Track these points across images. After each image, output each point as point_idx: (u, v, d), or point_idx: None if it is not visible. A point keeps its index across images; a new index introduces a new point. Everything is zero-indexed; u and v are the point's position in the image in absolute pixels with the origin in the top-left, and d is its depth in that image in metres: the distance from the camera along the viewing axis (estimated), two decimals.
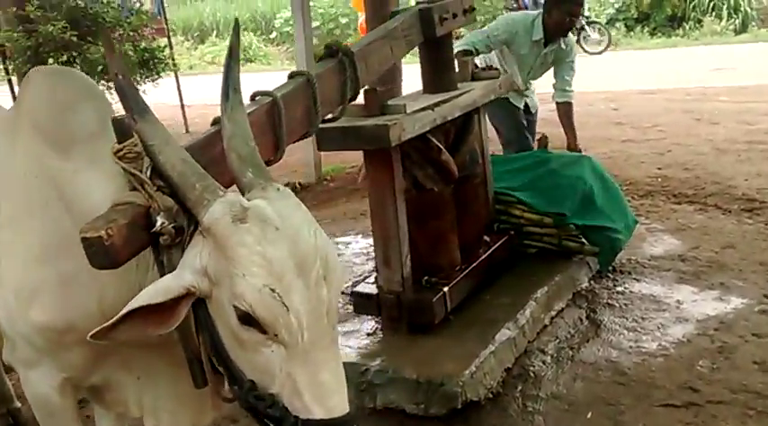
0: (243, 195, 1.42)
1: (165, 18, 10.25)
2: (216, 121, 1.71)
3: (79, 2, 7.90)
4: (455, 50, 3.73)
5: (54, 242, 1.60)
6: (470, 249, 3.58)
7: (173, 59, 9.46)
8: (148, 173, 1.44)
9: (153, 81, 8.37)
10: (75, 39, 7.57)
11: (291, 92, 2.10)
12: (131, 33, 8.11)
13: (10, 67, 8.36)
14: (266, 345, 1.31)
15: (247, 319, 1.29)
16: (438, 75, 3.49)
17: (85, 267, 1.40)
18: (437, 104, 3.19)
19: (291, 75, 2.23)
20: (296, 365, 1.30)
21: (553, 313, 3.49)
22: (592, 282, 3.87)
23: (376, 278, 3.25)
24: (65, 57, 7.84)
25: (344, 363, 2.77)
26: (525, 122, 5.02)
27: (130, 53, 7.59)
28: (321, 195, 6.25)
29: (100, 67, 7.64)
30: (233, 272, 1.29)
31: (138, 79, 8.18)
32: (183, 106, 10.00)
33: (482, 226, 3.72)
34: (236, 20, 1.65)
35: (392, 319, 3.21)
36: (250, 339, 1.32)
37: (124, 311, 1.31)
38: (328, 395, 1.32)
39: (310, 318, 1.30)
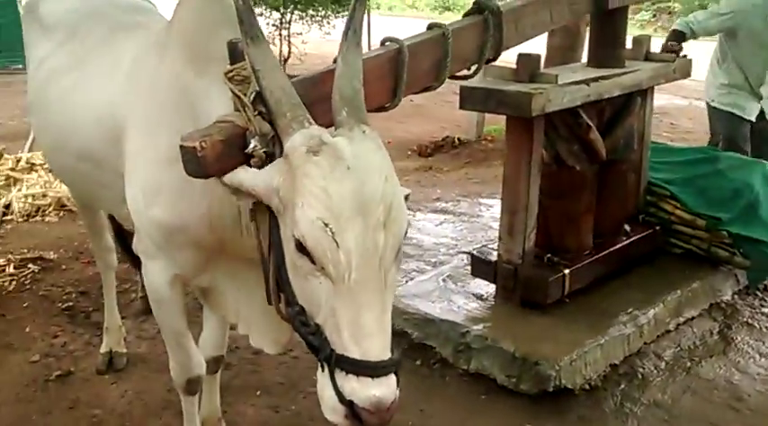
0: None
1: None
2: (335, 60, 1.76)
3: None
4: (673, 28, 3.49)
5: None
6: (606, 236, 3.44)
7: None
8: (251, 97, 1.51)
9: (344, 17, 8.65)
10: None
11: (422, 42, 2.11)
12: None
13: None
14: (315, 275, 1.35)
15: (301, 247, 1.34)
16: (604, 50, 3.32)
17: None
18: (595, 80, 3.05)
19: (429, 26, 2.22)
20: (340, 301, 1.33)
21: (681, 319, 3.29)
22: (735, 297, 3.58)
23: (498, 245, 3.21)
24: None
25: (447, 321, 2.86)
26: (755, 131, 4.41)
27: None
28: (477, 153, 6.21)
29: None
30: (295, 201, 1.34)
31: (330, 13, 8.47)
32: (369, 46, 10.23)
33: (625, 215, 3.54)
34: None
35: (506, 289, 3.18)
36: (302, 266, 1.37)
37: (238, 181, 1.47)
38: (366, 337, 1.32)
39: (361, 260, 1.32)
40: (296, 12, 8.38)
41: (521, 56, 2.94)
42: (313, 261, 1.34)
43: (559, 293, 3.11)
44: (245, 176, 1.45)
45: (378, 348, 1.33)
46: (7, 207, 4.69)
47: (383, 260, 1.34)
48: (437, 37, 2.16)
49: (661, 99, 8.92)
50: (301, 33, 8.87)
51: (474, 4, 2.43)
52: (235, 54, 1.56)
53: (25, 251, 4.01)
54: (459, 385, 2.87)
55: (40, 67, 2.36)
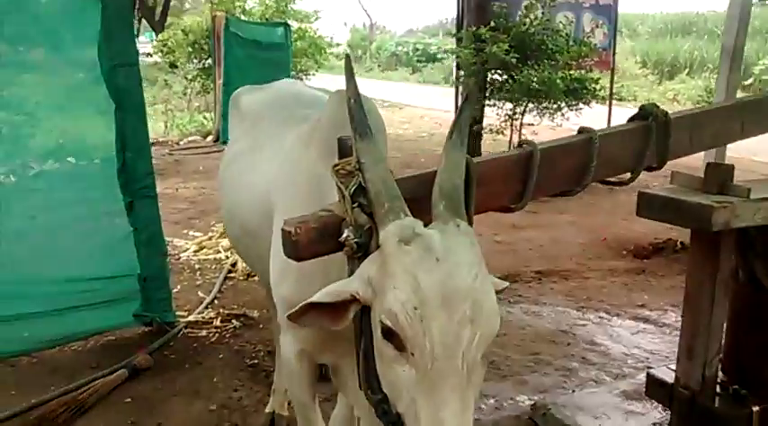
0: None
1: (614, 52, 10.32)
2: None
3: (531, 28, 8.48)
4: None
5: None
6: None
7: (611, 92, 9.54)
8: (352, 189, 1.59)
9: (576, 109, 8.59)
10: (514, 61, 8.18)
11: (562, 146, 2.07)
12: (570, 62, 8.43)
13: (461, 77, 9.45)
14: (400, 363, 1.37)
15: (389, 333, 1.37)
16: None
17: (319, 259, 1.63)
18: None
19: (579, 131, 2.17)
20: (421, 393, 1.33)
21: None
22: None
23: (676, 367, 2.91)
24: (503, 77, 8.55)
25: None
26: None
27: (558, 81, 7.88)
28: None
29: (532, 88, 8.12)
30: (386, 286, 1.38)
31: (562, 106, 8.47)
32: None
33: None
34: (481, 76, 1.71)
35: (681, 417, 2.85)
36: (387, 353, 1.39)
37: (303, 303, 1.51)
38: None
39: (444, 352, 1.32)
40: (530, 104, 8.50)
41: (709, 165, 2.71)
42: (397, 348, 1.36)
43: None
44: (340, 288, 1.49)
45: None
46: (234, 265, 5.30)
47: (466, 355, 1.33)
48: (582, 142, 2.10)
49: None
50: (532, 124, 8.95)
51: (639, 109, 2.32)
52: (343, 149, 1.67)
53: (235, 307, 4.48)
54: None
55: (229, 149, 2.72)
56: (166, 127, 13.64)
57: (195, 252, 5.82)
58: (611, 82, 10.26)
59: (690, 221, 2.61)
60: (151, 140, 4.99)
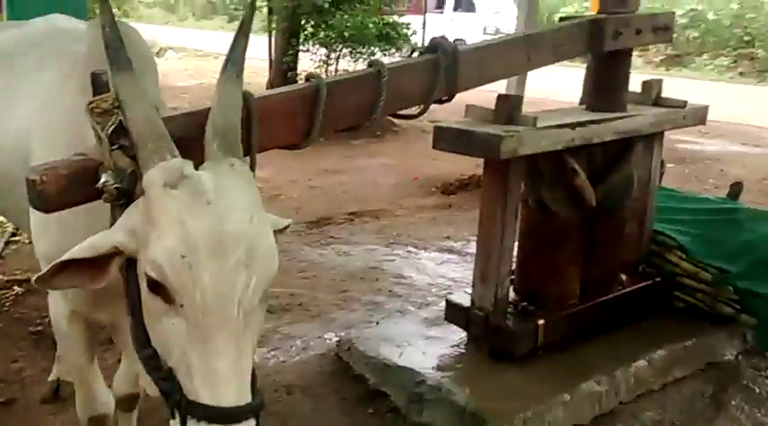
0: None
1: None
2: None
3: None
4: None
5: None
6: (597, 286, 3.21)
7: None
8: (110, 130, 1.43)
9: (390, 55, 8.71)
10: (327, 5, 8.08)
11: (350, 80, 2.03)
12: (382, 7, 8.49)
13: (273, 23, 9.21)
14: (168, 316, 1.27)
15: (155, 285, 1.26)
16: (602, 93, 3.14)
17: (82, 209, 1.47)
18: (582, 124, 2.88)
19: (369, 64, 2.14)
20: (192, 345, 1.25)
21: (669, 379, 3.04)
22: (740, 357, 3.28)
23: (471, 291, 3.06)
24: (312, 21, 8.43)
25: (404, 368, 2.70)
26: None
27: (371, 26, 7.91)
28: None
29: (346, 34, 8.07)
30: (151, 235, 1.27)
31: (376, 51, 8.54)
32: None
33: (619, 265, 3.31)
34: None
35: (476, 338, 3.02)
36: (154, 307, 1.29)
37: (55, 262, 1.34)
38: (219, 384, 1.23)
39: (216, 302, 1.23)
40: (344, 49, 8.47)
41: (499, 96, 2.82)
42: (165, 301, 1.26)
43: (531, 345, 2.92)
44: (100, 241, 1.35)
45: (232, 394, 1.23)
46: (18, 228, 4.80)
47: (242, 302, 1.25)
48: (371, 76, 2.07)
49: (714, 144, 8.56)
50: (347, 70, 8.95)
51: (429, 42, 2.34)
52: (98, 84, 1.49)
53: (18, 272, 4.08)
54: None
55: None
56: None
57: None
58: (423, 26, 10.48)
59: (480, 151, 2.70)
60: None
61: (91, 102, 1.46)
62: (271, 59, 9.30)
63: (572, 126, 2.82)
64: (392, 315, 3.64)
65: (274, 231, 1.47)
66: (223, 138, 1.43)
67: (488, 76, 2.51)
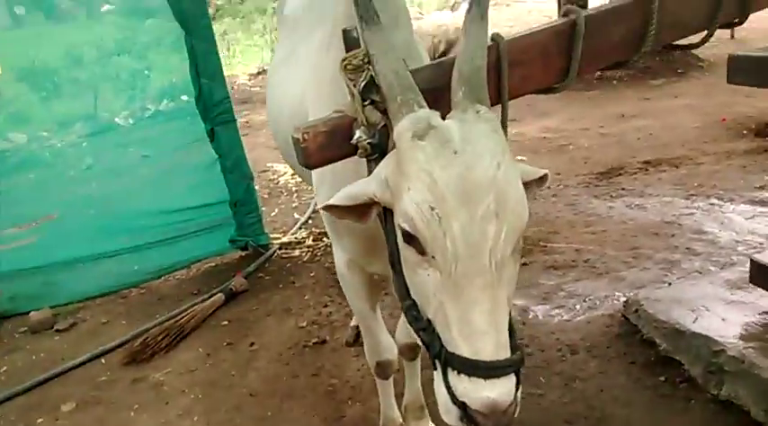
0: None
1: None
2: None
3: None
4: None
5: None
6: None
7: None
8: (362, 85, 1.45)
9: None
10: None
11: (613, 9, 1.81)
12: None
13: None
14: (423, 267, 1.28)
15: (409, 237, 1.29)
16: None
17: (353, 160, 1.53)
18: None
19: None
20: (448, 295, 1.25)
21: None
22: None
23: None
24: None
25: (700, 335, 2.46)
26: None
27: None
28: None
29: None
30: (402, 187, 1.29)
31: None
32: None
33: None
34: None
35: None
36: (410, 258, 1.31)
37: (322, 205, 1.44)
38: (476, 335, 1.23)
39: (468, 251, 1.22)
40: None
41: None
42: (419, 252, 1.28)
43: None
44: (356, 191, 1.41)
45: (490, 347, 1.23)
46: None
47: (494, 252, 1.23)
48: (639, 2, 1.83)
49: None
50: None
51: None
52: (349, 41, 1.52)
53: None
54: (704, 412, 2.44)
55: (276, 55, 2.65)
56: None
57: (293, 174, 5.88)
58: None
59: None
60: None
61: (344, 59, 1.49)
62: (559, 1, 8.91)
63: None
64: (689, 275, 3.29)
65: (531, 181, 1.44)
66: (468, 85, 1.39)
67: None
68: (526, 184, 1.41)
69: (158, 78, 4.13)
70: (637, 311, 2.92)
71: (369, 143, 1.43)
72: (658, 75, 7.61)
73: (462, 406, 1.23)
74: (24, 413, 3.02)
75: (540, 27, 1.79)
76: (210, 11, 21.89)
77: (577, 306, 3.23)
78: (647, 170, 4.97)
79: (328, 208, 1.41)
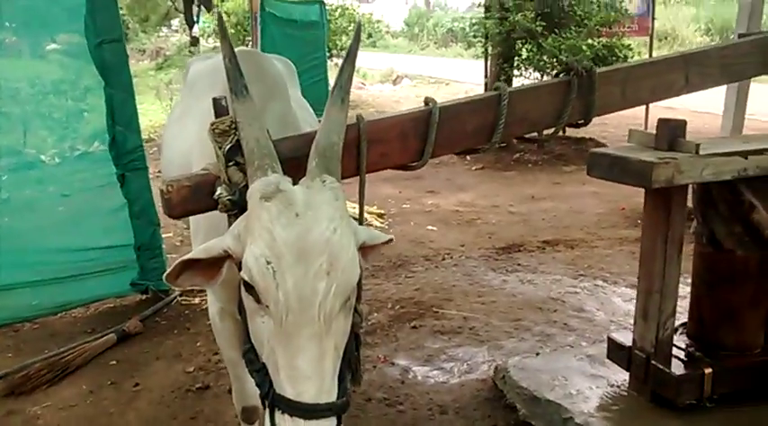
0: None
1: (653, 18, 9.96)
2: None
3: None
4: None
5: None
6: None
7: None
8: (227, 148, 1.62)
9: None
10: (540, 29, 8.02)
11: (467, 103, 2.06)
12: (599, 29, 8.20)
13: (489, 48, 9.31)
14: (260, 315, 1.43)
15: (248, 286, 1.43)
16: None
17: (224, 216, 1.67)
18: (759, 152, 2.60)
19: (494, 88, 2.16)
20: (279, 342, 1.38)
21: None
22: None
23: (633, 330, 2.87)
24: (529, 45, 8.39)
25: (553, 403, 2.63)
26: None
27: (585, 48, 7.66)
28: None
29: (555, 58, 7.93)
30: (247, 241, 1.44)
31: None
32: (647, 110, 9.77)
33: None
34: (359, 23, 1.73)
35: (637, 379, 2.82)
36: (249, 306, 1.46)
37: (177, 260, 1.56)
38: (300, 380, 1.36)
39: (299, 304, 1.36)
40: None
41: (660, 121, 2.64)
42: (256, 300, 1.42)
43: (696, 394, 2.65)
44: (213, 245, 1.54)
45: (312, 391, 1.36)
46: None
47: (323, 306, 1.37)
48: (489, 99, 2.09)
49: None
50: None
51: (563, 64, 2.29)
52: (218, 109, 1.71)
53: None
54: None
55: (172, 113, 2.81)
56: None
57: None
58: (650, 49, 9.90)
59: (632, 179, 2.55)
60: None
61: (212, 124, 1.67)
62: (486, 84, 9.43)
63: (744, 154, 2.55)
64: (560, 348, 3.51)
65: (377, 245, 1.61)
66: (321, 157, 1.56)
67: (634, 99, 2.40)
68: (374, 247, 1.60)
69: (94, 120, 4.20)
70: (503, 377, 3.11)
71: (229, 200, 1.58)
72: (570, 162, 8.08)
73: None
74: None
75: (401, 112, 2.02)
76: (159, 60, 22.23)
77: (455, 370, 3.40)
78: (544, 249, 5.27)
79: (186, 263, 1.53)
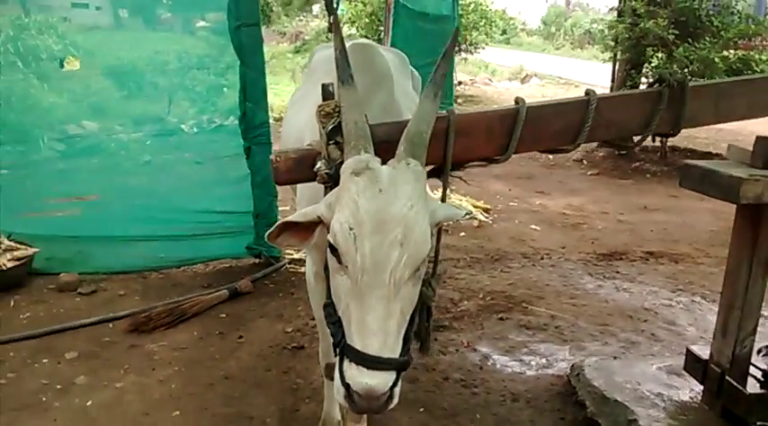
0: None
1: None
2: None
3: (695, 3, 8.00)
4: None
5: None
6: None
7: None
8: (329, 128, 1.85)
9: None
10: (672, 37, 7.80)
11: (555, 105, 2.20)
12: (736, 41, 7.88)
13: (618, 54, 9.14)
14: (339, 273, 1.66)
15: (332, 248, 1.66)
16: None
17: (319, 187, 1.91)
18: None
19: (586, 93, 2.28)
20: (353, 299, 1.61)
21: None
22: None
23: (711, 344, 2.89)
24: (660, 54, 8.18)
25: (619, 403, 2.73)
26: None
27: (717, 60, 7.38)
28: None
29: (686, 67, 7.70)
30: (335, 209, 1.68)
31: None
32: None
33: None
34: (456, 28, 1.92)
35: (710, 393, 2.85)
36: (332, 265, 1.70)
37: (278, 222, 1.83)
38: (367, 334, 1.58)
39: (373, 267, 1.58)
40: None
41: (758, 138, 2.65)
42: (338, 261, 1.65)
43: (764, 412, 2.67)
44: (309, 210, 1.79)
45: (376, 344, 1.58)
46: None
47: (394, 272, 1.59)
48: (577, 103, 2.21)
49: None
50: None
51: (657, 75, 2.38)
52: (325, 94, 1.95)
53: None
54: None
55: (294, 94, 3.10)
56: None
57: None
58: None
59: (721, 193, 2.59)
60: None
61: (319, 106, 1.91)
62: (611, 89, 9.27)
63: None
64: (646, 357, 3.55)
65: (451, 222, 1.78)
66: (409, 143, 1.78)
67: (728, 114, 2.44)
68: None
69: (232, 96, 4.59)
70: (578, 375, 3.21)
71: (326, 173, 1.83)
72: None
73: (347, 387, 1.60)
74: (34, 354, 3.47)
75: (492, 109, 2.19)
76: (297, 44, 23.12)
77: (533, 363, 3.53)
78: (647, 260, 5.23)
79: (286, 225, 1.80)
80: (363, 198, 1.62)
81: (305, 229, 1.81)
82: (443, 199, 2.15)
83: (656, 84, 2.36)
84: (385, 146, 1.81)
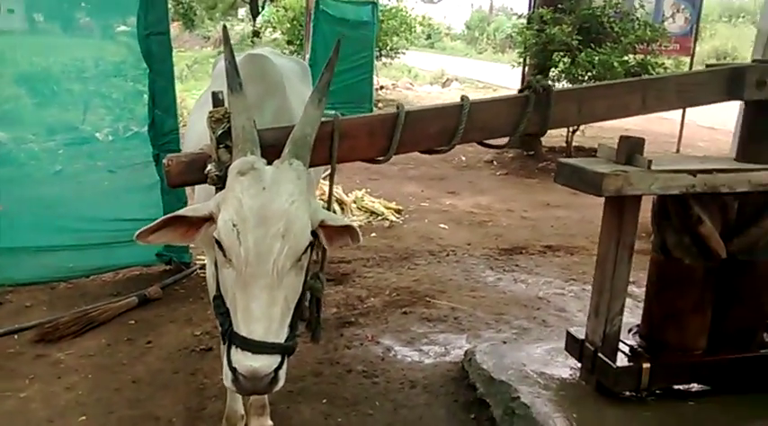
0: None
1: (695, 38, 10.08)
2: None
3: (598, 10, 8.47)
4: None
5: None
6: (730, 342, 3.10)
7: None
8: (219, 133, 1.98)
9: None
10: (575, 42, 8.23)
11: (432, 109, 2.42)
12: (634, 46, 8.38)
13: (527, 58, 9.59)
14: (226, 267, 1.81)
15: (218, 244, 1.81)
16: (752, 144, 3.06)
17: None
18: (706, 171, 2.86)
19: (461, 98, 2.49)
20: (238, 289, 1.76)
21: None
22: None
23: (586, 324, 3.16)
24: (566, 58, 8.62)
25: (504, 382, 2.93)
26: None
27: (616, 64, 7.83)
28: None
29: (588, 71, 8.14)
30: (222, 207, 1.82)
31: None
32: (682, 125, 9.95)
33: (762, 323, 3.15)
34: (338, 41, 2.11)
35: (586, 370, 3.12)
36: (219, 259, 1.85)
37: (164, 217, 1.93)
38: (252, 320, 1.73)
39: (257, 258, 1.73)
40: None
41: (621, 138, 2.94)
42: (225, 255, 1.79)
43: (633, 386, 2.94)
44: (200, 207, 1.93)
45: (260, 330, 1.73)
46: None
47: (277, 262, 1.75)
48: (452, 108, 2.43)
49: None
50: None
51: (526, 82, 2.62)
52: (215, 101, 2.07)
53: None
54: None
55: (196, 103, 3.23)
56: None
57: None
58: (690, 68, 10.02)
59: (587, 187, 2.86)
60: None
61: (210, 112, 2.04)
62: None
63: (693, 172, 2.82)
64: (531, 340, 3.81)
65: (342, 228, 1.93)
66: (294, 145, 1.94)
67: (590, 115, 2.70)
68: (339, 231, 1.94)
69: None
70: (470, 360, 3.43)
71: (216, 175, 1.97)
72: None
73: (234, 371, 1.75)
74: None
75: (374, 113, 2.38)
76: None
77: (432, 352, 3.74)
78: (545, 253, 5.55)
79: (172, 219, 1.92)
80: (247, 195, 1.77)
81: (191, 225, 1.94)
82: (330, 198, 2.35)
83: (525, 90, 2.60)
84: (273, 150, 1.97)
